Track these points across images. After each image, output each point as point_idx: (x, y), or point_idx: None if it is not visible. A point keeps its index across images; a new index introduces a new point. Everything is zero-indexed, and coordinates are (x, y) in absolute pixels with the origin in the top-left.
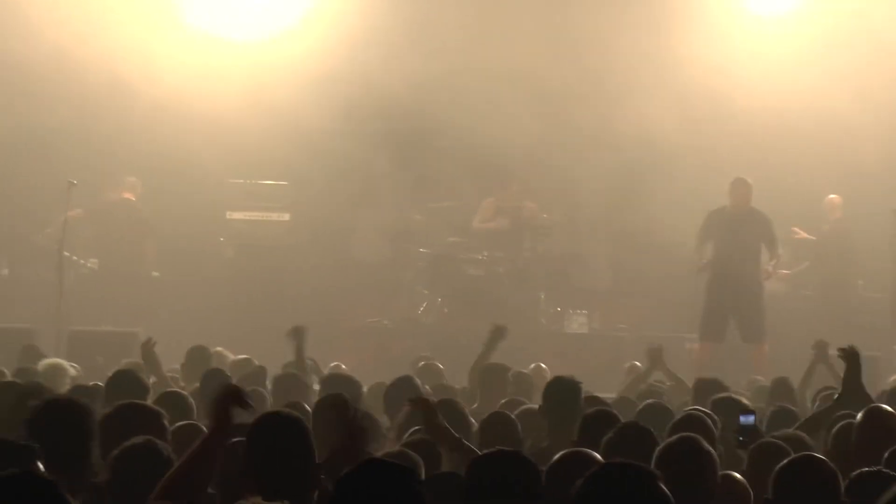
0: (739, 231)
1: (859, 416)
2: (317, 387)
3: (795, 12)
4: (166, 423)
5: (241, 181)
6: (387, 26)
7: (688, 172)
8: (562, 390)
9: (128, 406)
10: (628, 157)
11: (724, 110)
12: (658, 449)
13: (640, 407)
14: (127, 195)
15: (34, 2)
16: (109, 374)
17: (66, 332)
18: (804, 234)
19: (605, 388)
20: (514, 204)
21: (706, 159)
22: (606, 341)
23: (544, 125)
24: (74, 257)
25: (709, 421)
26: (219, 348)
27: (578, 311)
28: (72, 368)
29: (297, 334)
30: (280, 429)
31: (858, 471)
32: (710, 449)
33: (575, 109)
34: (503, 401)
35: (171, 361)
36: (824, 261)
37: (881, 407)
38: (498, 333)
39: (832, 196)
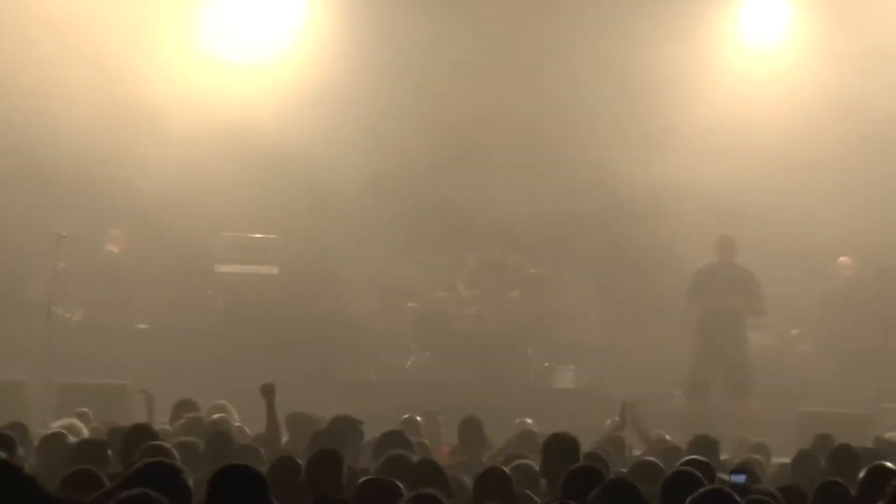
0: (725, 288)
1: (863, 473)
2: None
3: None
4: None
5: (231, 234)
6: (382, 83)
7: (680, 224)
8: (560, 447)
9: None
10: (617, 211)
11: (721, 155)
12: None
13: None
14: (111, 247)
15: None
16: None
17: (55, 384)
18: None
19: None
20: (499, 260)
21: (697, 211)
22: (594, 397)
23: (536, 179)
24: (61, 310)
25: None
26: (222, 402)
27: (566, 367)
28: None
29: (268, 392)
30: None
31: None
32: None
33: (567, 163)
34: (502, 456)
35: (160, 414)
36: (833, 317)
37: (884, 464)
38: None
39: (843, 258)
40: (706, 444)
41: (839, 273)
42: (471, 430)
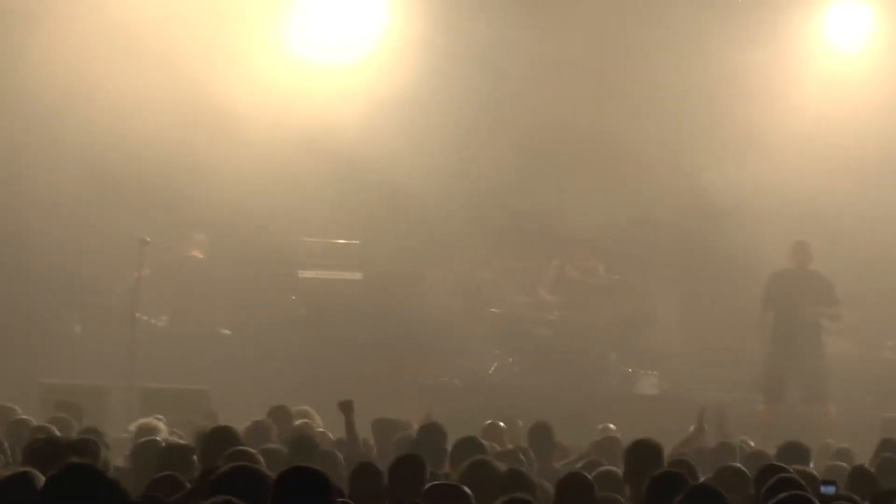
0: (800, 293)
1: None
2: None
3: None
4: None
5: (314, 239)
6: (463, 87)
7: (763, 229)
8: (644, 453)
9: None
10: (700, 216)
11: (805, 158)
12: None
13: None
14: (194, 252)
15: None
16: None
17: (138, 389)
18: None
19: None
20: (581, 265)
21: (780, 215)
22: (678, 403)
23: (617, 184)
24: (145, 315)
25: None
26: (305, 407)
27: (649, 372)
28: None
29: (346, 409)
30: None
31: None
32: None
33: (648, 168)
34: (581, 461)
35: (242, 419)
36: None
37: None
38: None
39: None
40: (796, 450)
41: None
42: (541, 435)
